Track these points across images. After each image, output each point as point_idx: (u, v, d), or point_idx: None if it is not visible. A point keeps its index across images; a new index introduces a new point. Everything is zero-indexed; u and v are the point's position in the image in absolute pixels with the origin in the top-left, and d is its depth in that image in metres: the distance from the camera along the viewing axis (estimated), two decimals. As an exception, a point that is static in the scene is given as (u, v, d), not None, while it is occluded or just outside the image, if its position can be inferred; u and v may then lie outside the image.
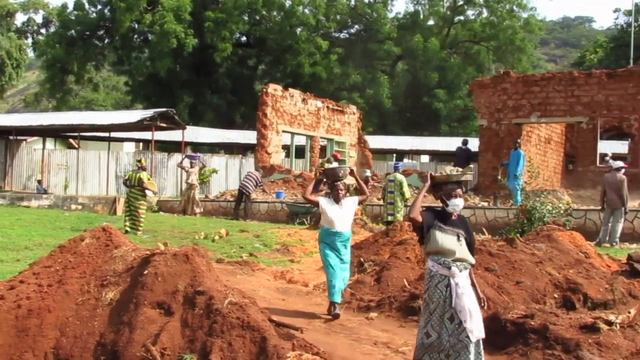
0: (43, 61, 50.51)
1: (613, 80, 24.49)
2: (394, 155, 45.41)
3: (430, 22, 56.45)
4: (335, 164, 21.90)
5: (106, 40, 50.20)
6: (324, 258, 9.09)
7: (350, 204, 9.18)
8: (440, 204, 6.18)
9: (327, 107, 33.99)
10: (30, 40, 61.74)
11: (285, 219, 23.39)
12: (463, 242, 6.04)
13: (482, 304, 6.19)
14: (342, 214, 8.98)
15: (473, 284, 6.16)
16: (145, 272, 5.95)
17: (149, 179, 19.20)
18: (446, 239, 5.97)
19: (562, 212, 18.30)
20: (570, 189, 24.74)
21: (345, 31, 57.02)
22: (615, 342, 7.34)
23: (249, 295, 6.43)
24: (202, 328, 5.52)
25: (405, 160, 44.79)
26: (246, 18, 49.93)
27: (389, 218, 19.32)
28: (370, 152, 35.86)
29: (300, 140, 33.84)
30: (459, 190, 6.16)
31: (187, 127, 33.85)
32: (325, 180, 9.67)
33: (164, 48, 42.37)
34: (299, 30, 48.06)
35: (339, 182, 9.06)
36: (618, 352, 7.19)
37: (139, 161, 19.46)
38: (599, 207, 18.74)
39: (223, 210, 25.94)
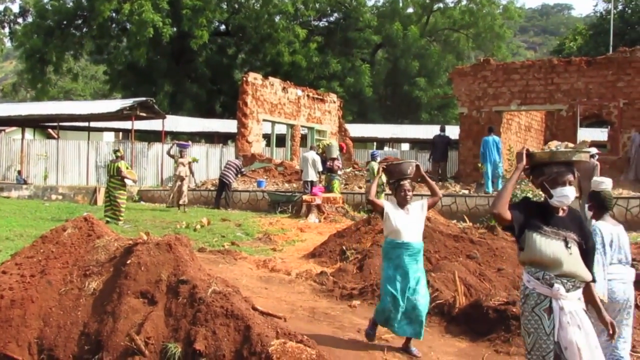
0: (21, 52, 50.06)
1: (592, 68, 24.62)
2: (374, 143, 45.46)
3: (410, 10, 56.44)
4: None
5: (84, 30, 49.78)
6: (385, 280, 7.11)
7: (418, 208, 7.22)
8: (540, 195, 4.59)
9: (308, 95, 33.99)
10: (7, 30, 61.11)
11: (266, 207, 23.38)
12: (574, 249, 4.49)
13: (608, 335, 4.60)
14: (409, 221, 7.07)
15: (595, 307, 4.64)
16: (128, 261, 5.93)
17: (127, 168, 19.12)
18: (548, 245, 4.45)
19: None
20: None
21: (325, 19, 56.89)
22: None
23: (231, 284, 6.43)
24: (185, 317, 5.52)
25: (386, 149, 44.85)
26: (224, 6, 49.73)
27: (368, 206, 19.44)
28: (350, 140, 35.89)
29: (281, 129, 33.82)
30: (569, 176, 4.55)
31: (167, 116, 33.73)
32: (388, 179, 7.46)
33: (142, 37, 42.11)
34: (277, 18, 47.89)
35: (405, 181, 7.17)
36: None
37: (116, 151, 19.33)
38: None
39: (204, 199, 25.88)
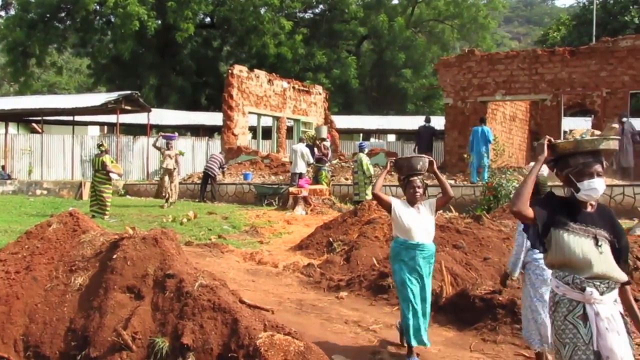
0: (4, 45, 49.64)
1: (576, 58, 24.72)
2: (361, 135, 45.45)
3: (395, 2, 56.39)
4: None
5: (68, 23, 49.40)
6: (399, 285, 6.71)
7: (427, 208, 6.77)
8: (565, 188, 4.28)
9: (293, 87, 33.96)
10: (-11, 23, 60.62)
11: (253, 200, 23.38)
12: (605, 247, 4.11)
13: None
14: (421, 220, 6.63)
15: (631, 312, 4.22)
16: (114, 256, 5.92)
17: (112, 162, 19.05)
18: (577, 243, 4.07)
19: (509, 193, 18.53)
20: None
21: (310, 11, 56.69)
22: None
23: (219, 277, 6.42)
24: (173, 311, 5.51)
25: (372, 140, 44.87)
26: (210, -1, 49.58)
27: (355, 198, 19.50)
28: (336, 132, 35.89)
29: (267, 122, 33.78)
30: (597, 166, 4.18)
31: (152, 109, 33.59)
32: (399, 175, 6.96)
33: (127, 31, 41.86)
34: (263, 10, 47.71)
35: (415, 178, 6.72)
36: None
37: (101, 145, 19.23)
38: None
39: (190, 192, 25.85)
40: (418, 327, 6.55)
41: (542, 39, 61.54)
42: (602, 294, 4.02)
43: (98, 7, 46.50)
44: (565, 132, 24.47)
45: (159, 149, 22.57)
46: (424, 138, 27.03)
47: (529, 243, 5.93)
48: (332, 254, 12.04)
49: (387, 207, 6.75)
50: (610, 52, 24.11)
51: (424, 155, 6.96)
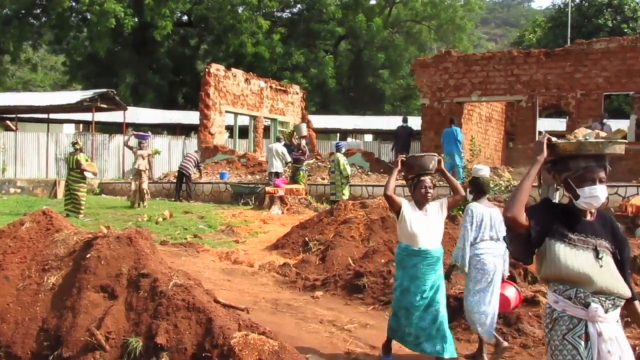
0: (-23, 41, 49.19)
1: (551, 60, 24.92)
2: (338, 134, 45.51)
3: (373, 2, 56.49)
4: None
5: (43, 19, 49.00)
6: (399, 293, 6.35)
7: (436, 209, 6.41)
8: (564, 194, 3.97)
9: (270, 87, 33.93)
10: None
11: (229, 199, 23.32)
12: (607, 259, 3.71)
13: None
14: (428, 224, 6.26)
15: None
16: (88, 255, 5.87)
17: (87, 161, 18.91)
18: (575, 256, 3.67)
19: (503, 188, 18.63)
20: (511, 166, 25.15)
21: (288, 11, 56.70)
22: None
23: (194, 276, 6.40)
24: (147, 311, 5.48)
25: (349, 140, 44.95)
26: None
27: (332, 197, 19.52)
28: (314, 131, 35.91)
29: (244, 121, 33.75)
30: (600, 172, 3.78)
31: (128, 107, 33.40)
32: (405, 174, 6.56)
33: (103, 28, 41.59)
34: (240, 9, 47.63)
35: (426, 178, 6.38)
36: (557, 324, 7.37)
37: (75, 143, 19.06)
38: (536, 184, 19.10)
39: (166, 192, 25.74)
40: (417, 335, 6.21)
41: (518, 40, 62.00)
42: (606, 311, 3.61)
43: (74, 4, 46.22)
44: (540, 132, 24.69)
45: (131, 148, 21.75)
46: (401, 138, 27.13)
47: (472, 237, 6.81)
48: (307, 254, 12.05)
49: (397, 209, 6.34)
50: (585, 54, 24.33)
51: (435, 154, 6.61)
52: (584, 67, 24.32)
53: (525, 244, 3.80)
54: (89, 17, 45.54)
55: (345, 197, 18.69)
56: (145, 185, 20.81)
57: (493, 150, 31.10)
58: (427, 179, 6.36)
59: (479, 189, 7.17)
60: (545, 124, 32.82)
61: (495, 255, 6.84)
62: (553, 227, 3.77)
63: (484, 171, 7.37)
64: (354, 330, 7.57)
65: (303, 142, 23.21)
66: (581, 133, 4.05)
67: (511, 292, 7.20)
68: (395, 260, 6.54)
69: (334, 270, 10.29)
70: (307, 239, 13.11)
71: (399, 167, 6.40)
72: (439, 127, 25.01)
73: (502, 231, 6.70)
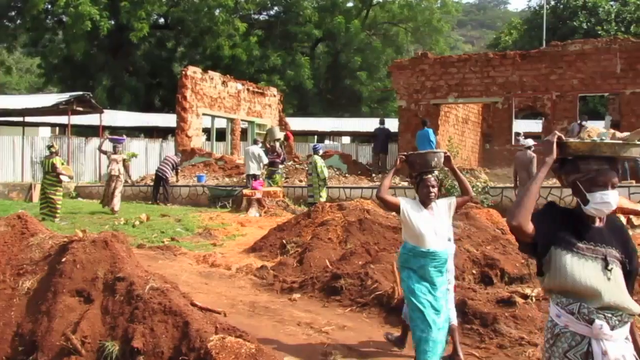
0: (-49, 43, 48.75)
1: (527, 61, 25.10)
2: (315, 136, 45.53)
3: (350, 4, 56.55)
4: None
5: (18, 21, 48.60)
6: (408, 294, 5.98)
7: (444, 208, 6.13)
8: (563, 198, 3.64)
9: (248, 89, 33.90)
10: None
11: (206, 202, 23.26)
12: (616, 271, 3.41)
13: None
14: (434, 224, 5.95)
15: (635, 344, 3.51)
16: (64, 259, 5.85)
17: (62, 164, 18.77)
18: (583, 267, 3.37)
19: (479, 190, 18.75)
20: (487, 168, 25.30)
21: (265, 13, 56.63)
22: (531, 315, 7.60)
23: (170, 280, 6.39)
24: (123, 314, 5.47)
25: (327, 142, 44.97)
26: (164, -1, 49.25)
27: (309, 200, 19.55)
28: (291, 133, 35.90)
29: (221, 123, 33.67)
30: (613, 176, 3.47)
31: (105, 110, 33.18)
32: (411, 172, 6.31)
33: (79, 30, 41.33)
34: (217, 11, 47.53)
35: (430, 176, 6.05)
36: (533, 324, 7.45)
37: (51, 146, 18.92)
38: (512, 185, 19.26)
39: (143, 195, 25.62)
40: (437, 340, 5.76)
41: (495, 42, 62.35)
42: (612, 328, 3.32)
43: (49, 7, 45.86)
44: (517, 133, 24.86)
45: (105, 152, 20.83)
46: (379, 140, 27.23)
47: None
48: (285, 256, 12.05)
49: (395, 209, 6.03)
50: (560, 55, 24.54)
51: (439, 150, 6.33)
52: (559, 68, 24.53)
53: (534, 255, 3.51)
54: (64, 19, 45.26)
55: (323, 199, 18.72)
56: (118, 192, 19.91)
57: (470, 152, 31.26)
58: (431, 178, 6.01)
59: None
60: (522, 126, 33.05)
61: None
62: (559, 234, 3.44)
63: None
64: (331, 332, 7.57)
65: (277, 144, 23.16)
66: (595, 132, 3.63)
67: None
68: (399, 260, 6.19)
69: (311, 272, 10.28)
70: (284, 241, 13.11)
71: (398, 166, 6.19)
72: (416, 129, 25.05)
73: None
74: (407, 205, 5.98)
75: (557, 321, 3.43)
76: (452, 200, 6.20)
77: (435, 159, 6.07)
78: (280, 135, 23.69)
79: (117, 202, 19.86)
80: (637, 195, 18.64)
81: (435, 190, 6.01)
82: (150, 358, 5.16)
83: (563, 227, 3.45)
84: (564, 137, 3.47)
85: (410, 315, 5.94)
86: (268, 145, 23.20)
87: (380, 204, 6.43)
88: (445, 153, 6.21)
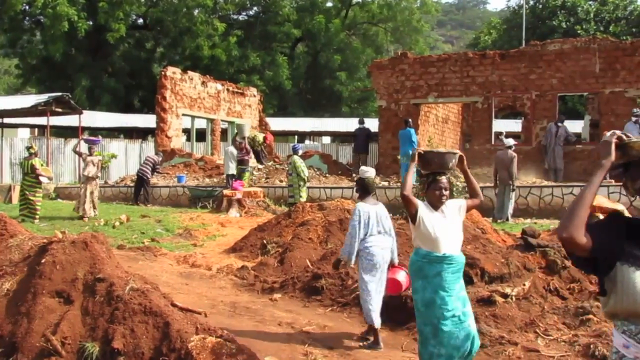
0: None
1: (506, 61, 25.21)
2: (296, 137, 45.54)
3: (329, 4, 56.62)
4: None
5: (-6, 23, 48.28)
6: (423, 307, 5.53)
7: (455, 211, 5.76)
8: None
9: (227, 89, 33.83)
10: None
11: (187, 203, 23.20)
12: None
13: None
14: (447, 227, 5.59)
15: None
16: (43, 260, 5.82)
17: (42, 165, 18.66)
18: None
19: (459, 189, 18.80)
20: (467, 167, 25.38)
21: (244, 13, 56.58)
22: (511, 314, 7.65)
23: (151, 280, 6.38)
24: (103, 315, 5.45)
25: (307, 142, 45.00)
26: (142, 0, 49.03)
27: (289, 200, 19.56)
28: (271, 134, 35.88)
29: (201, 124, 33.59)
30: None
31: (84, 111, 32.98)
32: (422, 171, 5.93)
33: (57, 31, 41.08)
34: (196, 11, 47.44)
35: (442, 177, 5.72)
36: (513, 323, 7.50)
37: (30, 147, 18.80)
38: (493, 185, 19.35)
39: (123, 195, 25.51)
40: (453, 356, 5.39)
41: (474, 42, 62.69)
42: None
43: (27, 7, 45.56)
44: (499, 133, 24.98)
45: (80, 154, 19.73)
46: (360, 140, 27.27)
47: (362, 233, 7.34)
48: (266, 256, 12.06)
49: (413, 211, 5.62)
50: (539, 55, 24.67)
51: (457, 151, 5.99)
52: (538, 68, 24.66)
53: (593, 272, 3.05)
54: (42, 20, 44.99)
55: (303, 199, 18.73)
56: (96, 194, 19.07)
57: (450, 152, 31.33)
58: (444, 179, 5.69)
59: (364, 188, 7.73)
60: (501, 125, 33.21)
61: (383, 248, 7.51)
62: (626, 248, 2.93)
63: (370, 173, 7.89)
64: (312, 331, 7.59)
65: (246, 142, 23.01)
66: None
67: (402, 276, 7.69)
68: (411, 269, 5.72)
69: (292, 272, 10.30)
70: (265, 241, 13.11)
71: (416, 161, 5.79)
72: (396, 129, 25.13)
73: (388, 225, 7.65)
74: (423, 209, 5.63)
75: (625, 352, 2.92)
76: (462, 203, 5.86)
77: (453, 161, 5.76)
78: (248, 133, 23.59)
79: (89, 208, 18.70)
80: (616, 194, 18.79)
81: (447, 193, 5.70)
82: (131, 359, 5.15)
83: (632, 240, 2.94)
84: (625, 137, 3.02)
85: (421, 329, 5.55)
86: (237, 143, 23.09)
87: (403, 202, 5.74)
88: (460, 154, 5.90)
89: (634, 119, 21.51)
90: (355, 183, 8.16)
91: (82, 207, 18.67)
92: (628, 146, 2.99)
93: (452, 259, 5.48)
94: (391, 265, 7.68)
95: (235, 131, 32.41)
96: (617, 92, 23.52)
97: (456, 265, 5.52)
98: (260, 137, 30.31)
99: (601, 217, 14.81)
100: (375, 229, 7.48)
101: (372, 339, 7.41)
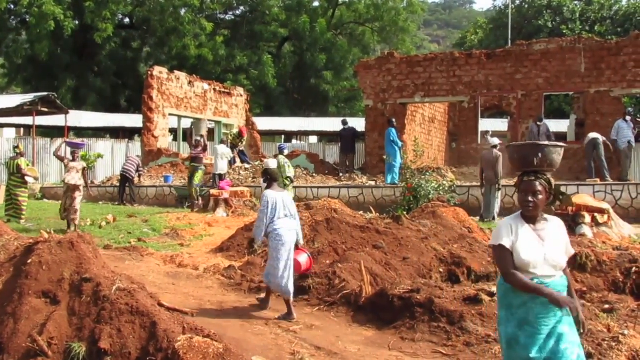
0: None
1: (492, 61, 25.30)
2: (282, 136, 45.53)
3: (316, 4, 56.63)
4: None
5: (-21, 22, 47.99)
6: (504, 344, 4.54)
7: (558, 227, 4.58)
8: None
9: (214, 89, 33.78)
10: None
11: (173, 203, 23.16)
12: None
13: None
14: (542, 246, 4.42)
15: None
16: (29, 261, 5.81)
17: (28, 165, 18.56)
18: None
19: (446, 189, 18.88)
20: (454, 167, 25.48)
21: (231, 13, 56.53)
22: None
23: (137, 280, 6.37)
24: (89, 315, 5.44)
25: (294, 142, 44.98)
26: (129, -1, 48.92)
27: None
28: (258, 133, 35.86)
29: (188, 124, 33.54)
30: None
31: (70, 111, 32.87)
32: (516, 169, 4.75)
33: (43, 31, 40.88)
34: (183, 11, 47.33)
35: (533, 178, 4.47)
36: (499, 321, 7.52)
37: (16, 147, 18.69)
38: (479, 184, 19.41)
39: (110, 195, 25.44)
40: None
41: (461, 41, 62.89)
42: None
43: (12, 6, 45.32)
44: (486, 132, 25.09)
45: (62, 159, 17.39)
46: (346, 140, 27.24)
47: (270, 217, 8.21)
48: (253, 256, 12.03)
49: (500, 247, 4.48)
50: (525, 55, 24.78)
51: (548, 143, 4.77)
52: (524, 68, 24.76)
53: None
54: (28, 19, 44.76)
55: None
56: (77, 204, 16.33)
57: (436, 151, 31.45)
58: (535, 182, 4.46)
59: (270, 178, 8.68)
60: (488, 125, 33.36)
61: (289, 229, 8.41)
62: None
63: (272, 164, 9.19)
64: (299, 331, 7.59)
65: (203, 139, 22.71)
66: None
67: (303, 258, 8.88)
68: (497, 296, 4.69)
69: (279, 272, 10.28)
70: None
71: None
72: (383, 128, 25.16)
73: (293, 209, 8.58)
74: (509, 224, 4.51)
75: None
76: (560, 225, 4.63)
77: (540, 155, 4.52)
78: (205, 130, 23.47)
79: (77, 218, 16.45)
80: (601, 193, 18.89)
81: (536, 199, 4.45)
82: (118, 359, 5.14)
83: None
84: None
85: None
86: (192, 140, 22.81)
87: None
88: (563, 146, 4.77)
89: (628, 118, 21.68)
90: (261, 173, 9.09)
91: (75, 221, 16.25)
92: None
93: (547, 286, 4.34)
94: (296, 247, 8.67)
95: (225, 132, 32.43)
96: (603, 91, 23.64)
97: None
98: (234, 131, 30.37)
99: (587, 216, 14.88)
100: (282, 212, 8.41)
101: (263, 297, 8.68)
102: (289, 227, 8.44)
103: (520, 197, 4.50)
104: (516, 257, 4.35)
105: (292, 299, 8.28)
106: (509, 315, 4.43)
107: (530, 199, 4.42)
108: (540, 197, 4.42)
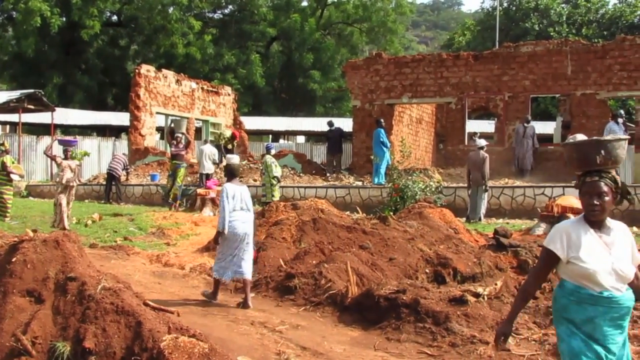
0: None
1: (479, 62, 25.39)
2: (270, 136, 45.51)
3: (304, 4, 56.60)
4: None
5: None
6: (564, 357, 4.06)
7: (625, 234, 4.12)
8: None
9: (202, 88, 33.72)
10: None
11: (160, 201, 23.10)
12: None
13: None
14: (610, 255, 3.99)
15: None
16: (14, 259, 5.78)
17: (13, 163, 18.45)
18: None
19: (433, 190, 18.92)
20: (441, 167, 25.53)
21: (219, 12, 56.45)
22: (482, 313, 7.70)
23: (123, 279, 6.35)
24: (74, 315, 5.42)
25: (281, 141, 44.96)
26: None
27: (262, 199, 19.55)
28: (246, 133, 35.82)
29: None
30: None
31: (57, 108, 32.76)
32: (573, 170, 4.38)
33: (29, 27, 40.68)
34: (171, 9, 47.21)
35: (597, 178, 4.02)
36: (485, 322, 7.55)
37: (2, 144, 18.57)
38: (466, 185, 19.46)
39: (96, 194, 25.36)
40: None
41: (448, 43, 63.06)
42: None
43: (-2, 3, 45.14)
44: (474, 133, 25.15)
45: (53, 158, 17.22)
46: (333, 141, 27.23)
47: (230, 208, 8.71)
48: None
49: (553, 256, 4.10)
50: (512, 57, 24.88)
51: (611, 137, 4.20)
52: (511, 69, 24.87)
53: None
54: (14, 15, 44.53)
55: (276, 198, 18.76)
56: (71, 204, 16.45)
57: (424, 152, 31.52)
58: (600, 182, 4.02)
59: (231, 172, 9.25)
60: (475, 126, 33.45)
61: (244, 222, 8.92)
62: None
63: (234, 160, 9.74)
64: (285, 331, 7.59)
65: (183, 137, 22.57)
66: None
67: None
68: (555, 308, 4.19)
69: (265, 271, 10.28)
70: (238, 240, 13.08)
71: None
72: (370, 129, 25.20)
73: (249, 203, 9.09)
74: (568, 228, 4.08)
75: None
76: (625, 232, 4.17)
77: (603, 153, 4.06)
78: (185, 128, 23.47)
79: (67, 224, 15.98)
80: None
81: (602, 202, 4.00)
82: (102, 358, 5.13)
83: None
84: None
85: None
86: (173, 139, 22.68)
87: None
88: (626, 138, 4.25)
89: (620, 120, 21.80)
90: (224, 168, 9.82)
91: (61, 223, 15.76)
92: None
93: (612, 300, 3.94)
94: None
95: (213, 131, 32.35)
96: (589, 94, 23.77)
97: (619, 309, 3.96)
98: (227, 133, 30.28)
99: (572, 217, 14.97)
100: (239, 205, 8.92)
101: (211, 291, 9.13)
102: (244, 220, 8.95)
103: (583, 200, 4.04)
104: (579, 267, 3.93)
105: (249, 281, 9.02)
106: (572, 328, 3.99)
107: (595, 201, 3.97)
108: (606, 198, 3.98)
